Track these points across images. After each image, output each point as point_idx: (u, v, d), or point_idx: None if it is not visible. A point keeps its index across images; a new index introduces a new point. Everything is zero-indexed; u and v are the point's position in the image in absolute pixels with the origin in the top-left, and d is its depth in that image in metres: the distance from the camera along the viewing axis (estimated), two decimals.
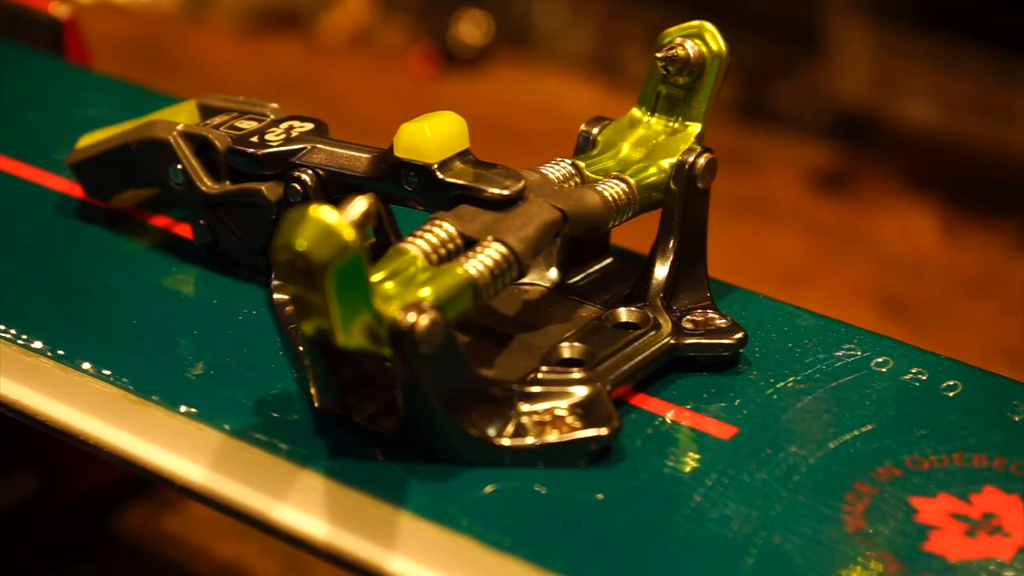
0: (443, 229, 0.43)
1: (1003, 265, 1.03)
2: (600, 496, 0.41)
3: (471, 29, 1.31)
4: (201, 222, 0.51)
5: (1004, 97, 1.11)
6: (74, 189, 0.55)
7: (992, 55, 1.10)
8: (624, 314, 0.47)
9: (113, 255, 0.52)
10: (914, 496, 0.41)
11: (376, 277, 0.40)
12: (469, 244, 0.43)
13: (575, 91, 1.26)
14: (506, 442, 0.42)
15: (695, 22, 0.48)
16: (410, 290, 0.40)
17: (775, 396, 0.45)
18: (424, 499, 0.41)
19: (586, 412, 0.42)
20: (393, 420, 0.42)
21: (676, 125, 0.48)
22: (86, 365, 0.46)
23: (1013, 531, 0.40)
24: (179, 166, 0.50)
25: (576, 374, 0.43)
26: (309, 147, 0.47)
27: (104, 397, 0.45)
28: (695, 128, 0.48)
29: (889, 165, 1.13)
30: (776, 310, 0.49)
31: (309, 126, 0.49)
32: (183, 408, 0.44)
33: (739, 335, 0.46)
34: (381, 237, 0.48)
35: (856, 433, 0.43)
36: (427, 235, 0.43)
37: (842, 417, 0.44)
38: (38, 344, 0.47)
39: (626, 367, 0.44)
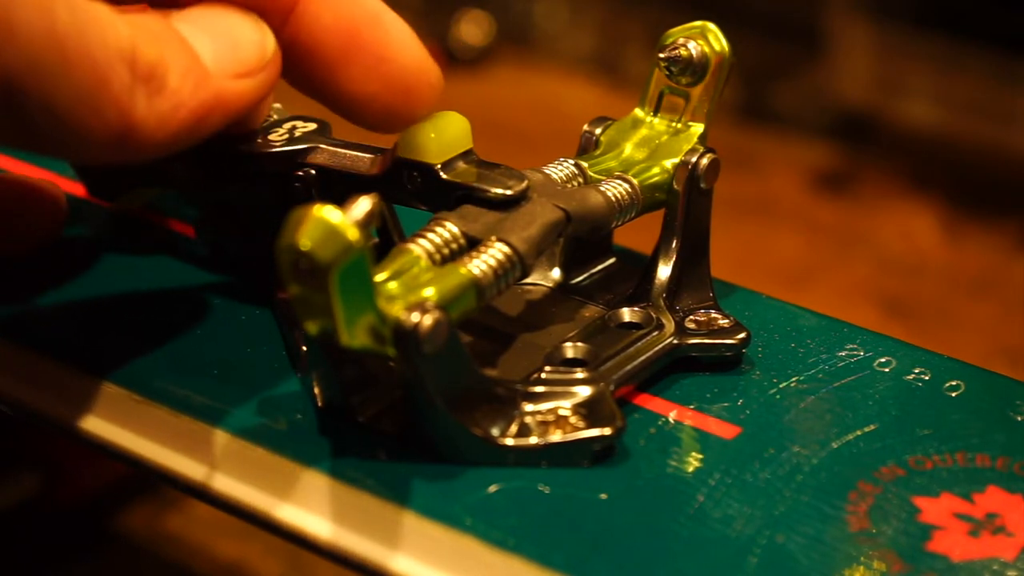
0: (446, 229, 0.43)
1: (1004, 265, 1.02)
2: (604, 496, 0.41)
3: (472, 29, 1.31)
4: (204, 222, 0.51)
5: (1005, 97, 1.11)
6: (77, 189, 0.55)
7: (993, 55, 1.10)
8: (627, 314, 0.47)
9: (116, 255, 0.52)
10: (917, 496, 0.41)
11: (380, 277, 0.40)
12: (472, 244, 0.43)
13: (576, 91, 1.26)
14: (510, 442, 0.42)
15: (698, 22, 0.48)
16: (414, 290, 0.40)
17: (778, 396, 0.45)
18: (428, 498, 0.41)
19: (589, 412, 0.42)
20: (396, 420, 0.42)
21: (679, 125, 0.48)
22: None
23: (1016, 531, 0.40)
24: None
25: (579, 374, 0.43)
26: (312, 147, 0.48)
27: (108, 396, 0.45)
28: (698, 128, 0.48)
29: (889, 165, 1.13)
30: (779, 310, 0.49)
31: (312, 126, 0.49)
32: (186, 407, 0.44)
33: (742, 335, 0.46)
34: (384, 237, 0.48)
35: (859, 433, 0.43)
36: (430, 235, 0.43)
37: (845, 417, 0.44)
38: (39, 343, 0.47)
39: (629, 367, 0.44)
